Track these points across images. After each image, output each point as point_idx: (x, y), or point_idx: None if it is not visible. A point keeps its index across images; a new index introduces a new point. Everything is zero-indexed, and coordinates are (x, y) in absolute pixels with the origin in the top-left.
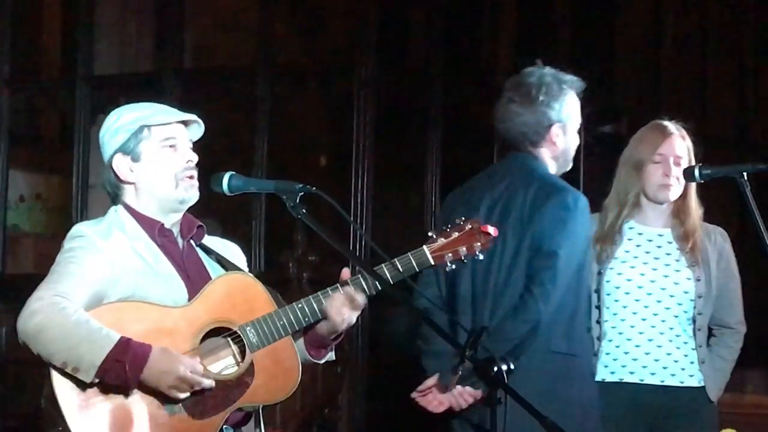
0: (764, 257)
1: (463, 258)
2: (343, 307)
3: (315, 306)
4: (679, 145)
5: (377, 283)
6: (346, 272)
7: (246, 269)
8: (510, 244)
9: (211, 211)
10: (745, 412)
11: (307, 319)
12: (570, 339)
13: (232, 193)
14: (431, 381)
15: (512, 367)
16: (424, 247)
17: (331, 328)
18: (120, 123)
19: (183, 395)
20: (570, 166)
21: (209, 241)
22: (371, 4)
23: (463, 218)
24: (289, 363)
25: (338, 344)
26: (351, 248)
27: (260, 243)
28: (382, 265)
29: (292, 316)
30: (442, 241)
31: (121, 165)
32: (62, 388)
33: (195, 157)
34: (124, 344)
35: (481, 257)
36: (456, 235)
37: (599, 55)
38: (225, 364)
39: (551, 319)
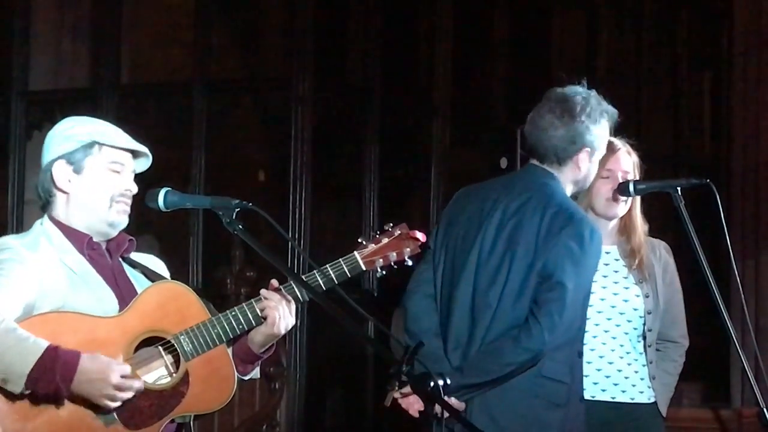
0: (698, 271)
1: (393, 263)
2: (279, 305)
3: (249, 313)
4: (625, 160)
5: (309, 291)
6: (274, 282)
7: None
8: (520, 266)
9: (149, 227)
10: (682, 426)
11: (241, 326)
12: (563, 365)
13: (168, 209)
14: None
15: (448, 382)
16: (356, 252)
17: (269, 332)
18: (73, 131)
19: (114, 404)
20: (584, 190)
21: (134, 255)
22: (308, 20)
23: (392, 224)
24: (224, 371)
25: (266, 360)
26: (288, 264)
27: (198, 259)
28: (314, 272)
29: (226, 324)
30: (372, 246)
31: (61, 172)
32: None
33: (135, 189)
34: (52, 352)
35: (410, 263)
36: (386, 240)
37: (535, 72)
38: (159, 374)
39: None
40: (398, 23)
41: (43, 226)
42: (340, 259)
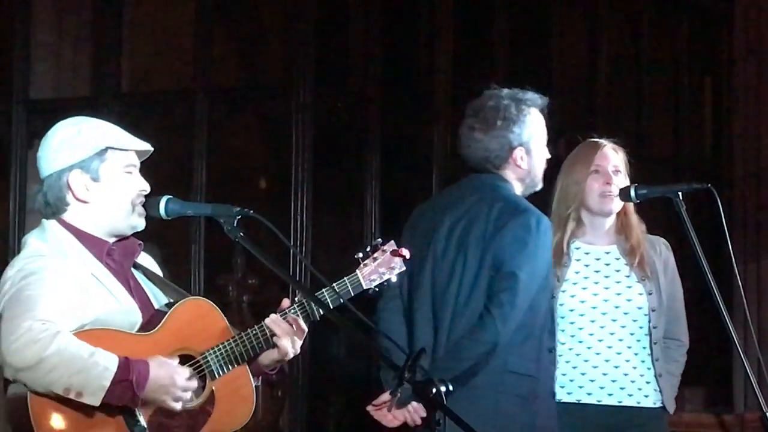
0: (700, 275)
1: (384, 281)
2: (290, 332)
3: (268, 333)
4: (612, 155)
5: (319, 308)
6: (285, 302)
7: (161, 275)
8: (471, 263)
9: (150, 234)
10: (685, 431)
11: (261, 346)
12: (528, 360)
13: (169, 217)
14: (386, 396)
15: (450, 388)
16: (357, 272)
17: (279, 355)
18: (83, 139)
19: (179, 406)
20: (539, 185)
21: None
22: (309, 27)
23: (380, 240)
24: (245, 390)
25: (272, 377)
26: (290, 272)
27: (199, 266)
28: (323, 290)
29: (248, 343)
30: (371, 264)
31: (78, 182)
32: (40, 416)
33: (148, 188)
34: (125, 363)
35: (394, 280)
36: (380, 258)
37: (536, 78)
38: None
39: (509, 339)
40: (399, 30)
41: (56, 232)
42: (345, 279)
